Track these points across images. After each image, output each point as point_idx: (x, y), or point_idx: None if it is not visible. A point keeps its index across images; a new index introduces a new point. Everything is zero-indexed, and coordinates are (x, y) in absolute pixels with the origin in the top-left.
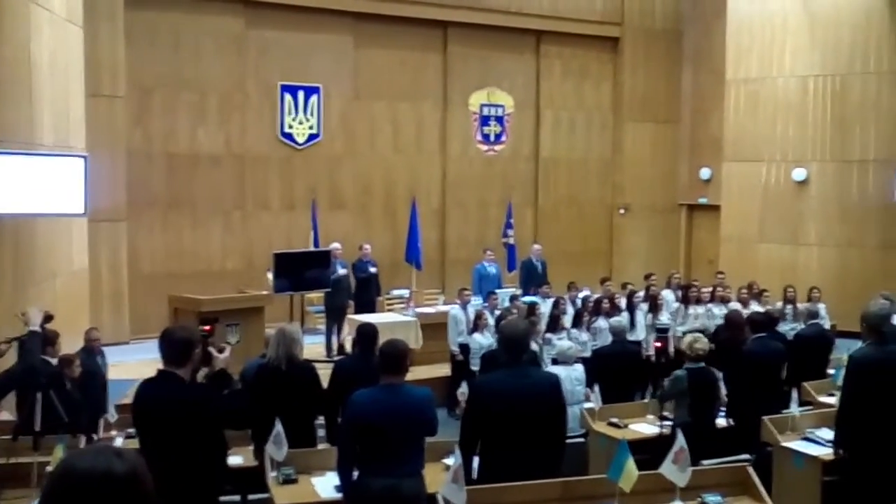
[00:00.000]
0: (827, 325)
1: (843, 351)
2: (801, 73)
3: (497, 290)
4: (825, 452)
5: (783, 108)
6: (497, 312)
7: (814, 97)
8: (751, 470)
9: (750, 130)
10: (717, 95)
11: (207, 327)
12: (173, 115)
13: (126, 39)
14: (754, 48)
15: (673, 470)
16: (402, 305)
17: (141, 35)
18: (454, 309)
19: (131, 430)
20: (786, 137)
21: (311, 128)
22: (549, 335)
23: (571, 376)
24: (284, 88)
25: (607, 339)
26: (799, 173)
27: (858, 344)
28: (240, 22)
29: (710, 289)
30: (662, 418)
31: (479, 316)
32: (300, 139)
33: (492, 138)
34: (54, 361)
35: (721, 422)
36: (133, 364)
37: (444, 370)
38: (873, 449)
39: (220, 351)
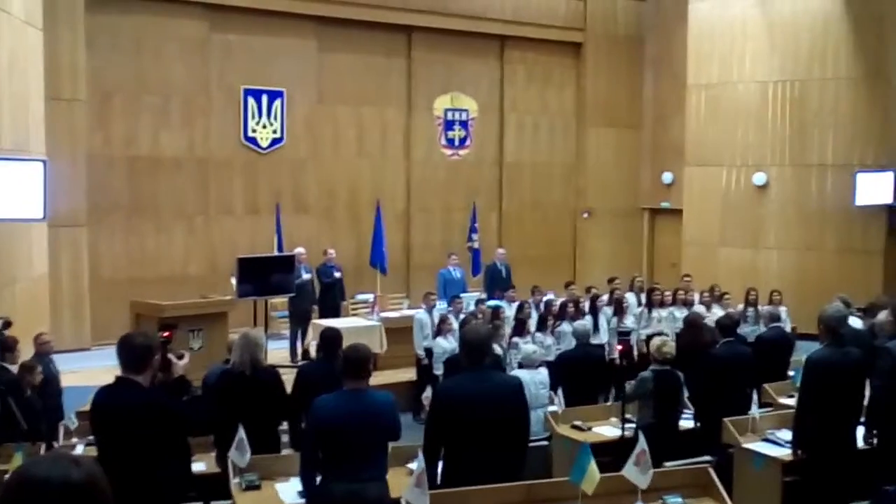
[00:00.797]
0: (788, 328)
1: (803, 353)
2: (761, 78)
3: (462, 295)
4: (785, 453)
5: (743, 113)
6: (462, 316)
7: (773, 102)
8: (711, 471)
9: (711, 135)
10: (678, 100)
11: (166, 333)
12: (135, 118)
13: (87, 42)
14: (715, 54)
15: (635, 472)
16: (367, 310)
17: (102, 38)
18: (419, 313)
19: (92, 438)
20: (746, 142)
21: (274, 132)
22: (515, 339)
23: (536, 380)
24: (248, 92)
25: (572, 343)
26: (759, 178)
27: (817, 346)
28: (203, 25)
29: (672, 292)
30: (625, 420)
31: (442, 320)
32: (264, 143)
33: (456, 143)
34: (13, 368)
35: (684, 423)
36: (95, 370)
37: (409, 374)
38: (830, 449)
39: (180, 357)
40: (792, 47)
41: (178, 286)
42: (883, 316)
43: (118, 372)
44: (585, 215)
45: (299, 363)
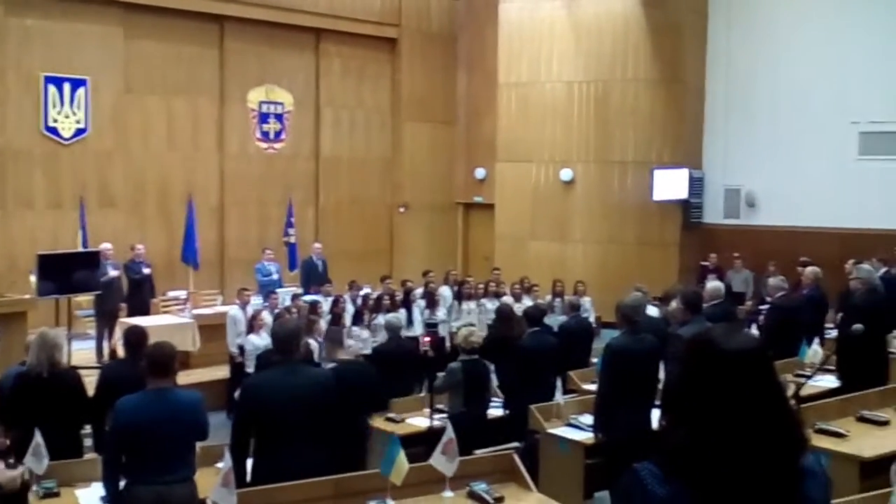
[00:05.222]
0: (592, 317)
1: (606, 340)
2: (567, 78)
3: (277, 290)
4: (587, 437)
5: (551, 111)
6: (277, 312)
7: (578, 101)
8: (516, 457)
9: (521, 132)
10: (490, 98)
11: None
12: None
13: None
14: (524, 54)
15: (442, 461)
16: (179, 307)
17: None
18: (233, 309)
19: None
20: (554, 139)
21: (78, 122)
22: None
23: None
24: (48, 80)
25: (386, 336)
26: (566, 174)
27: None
28: None
29: (484, 284)
30: (435, 410)
31: (254, 316)
32: (66, 134)
33: (271, 136)
34: None
35: (494, 412)
36: None
37: (223, 372)
38: (628, 431)
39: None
40: (595, 49)
41: None
42: (674, 304)
43: None
44: (402, 210)
45: (105, 363)
